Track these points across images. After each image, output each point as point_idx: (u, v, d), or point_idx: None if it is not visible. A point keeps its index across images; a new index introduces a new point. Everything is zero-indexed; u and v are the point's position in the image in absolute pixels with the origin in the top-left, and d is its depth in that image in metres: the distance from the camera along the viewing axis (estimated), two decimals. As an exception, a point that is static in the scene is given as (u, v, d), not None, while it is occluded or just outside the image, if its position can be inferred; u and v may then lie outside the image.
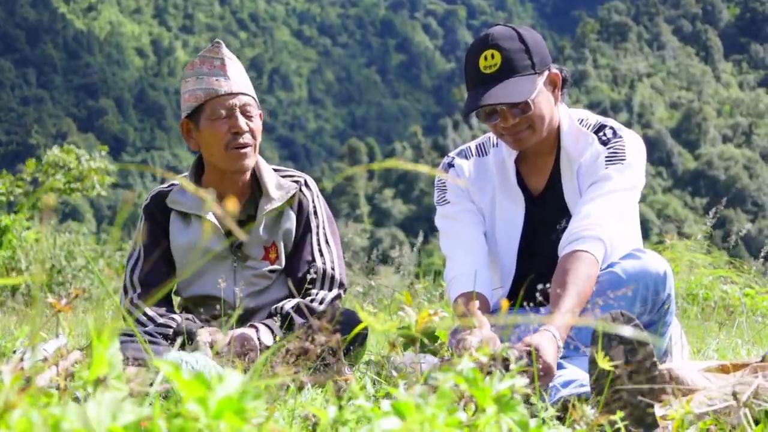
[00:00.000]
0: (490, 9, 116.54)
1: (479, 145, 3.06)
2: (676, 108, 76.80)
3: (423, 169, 1.40)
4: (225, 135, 3.18)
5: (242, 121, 3.19)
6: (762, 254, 6.51)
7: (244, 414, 1.11)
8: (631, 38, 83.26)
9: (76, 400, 1.96)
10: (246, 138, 3.20)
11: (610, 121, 2.92)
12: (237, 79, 3.23)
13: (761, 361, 2.35)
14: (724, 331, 4.57)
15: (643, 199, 2.98)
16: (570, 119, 2.92)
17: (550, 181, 2.94)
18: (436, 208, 3.05)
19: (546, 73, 2.81)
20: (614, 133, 2.87)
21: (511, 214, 2.94)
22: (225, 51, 3.25)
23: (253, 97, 3.26)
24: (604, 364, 1.88)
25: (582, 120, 2.92)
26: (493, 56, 2.76)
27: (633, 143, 2.86)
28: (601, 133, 2.88)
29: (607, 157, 2.83)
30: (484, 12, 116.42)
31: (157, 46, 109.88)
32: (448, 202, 3.00)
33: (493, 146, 3.01)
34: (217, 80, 3.20)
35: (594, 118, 2.93)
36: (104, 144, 14.18)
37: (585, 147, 2.87)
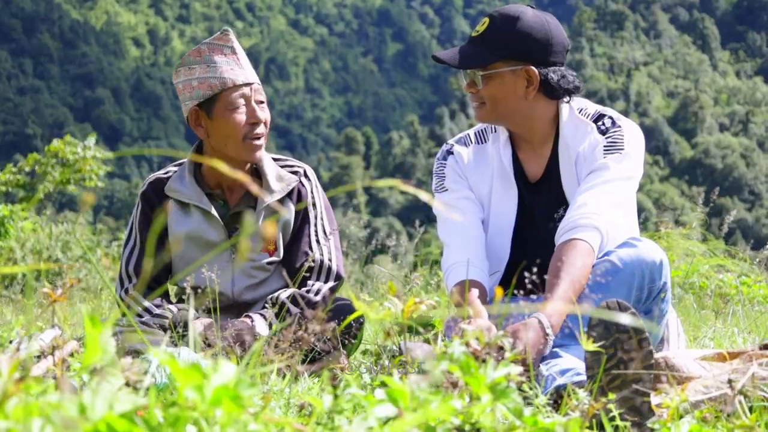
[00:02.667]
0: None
1: (478, 131, 3.05)
2: (673, 97, 76.71)
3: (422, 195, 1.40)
4: (243, 126, 3.15)
5: (259, 111, 3.17)
6: (767, 248, 6.47)
7: (241, 401, 1.12)
8: (627, 27, 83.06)
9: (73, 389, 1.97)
10: (261, 128, 3.18)
11: (609, 111, 2.91)
12: (248, 68, 3.21)
13: (758, 350, 2.36)
14: (720, 319, 4.58)
15: (640, 188, 2.97)
16: (569, 108, 2.91)
17: (548, 168, 2.93)
18: (434, 195, 3.04)
19: (521, 65, 2.81)
20: (613, 123, 2.87)
21: (505, 200, 2.94)
22: (234, 39, 3.21)
23: (260, 85, 3.24)
24: (590, 346, 1.88)
25: (581, 109, 2.92)
26: (483, 24, 2.85)
27: (632, 133, 2.86)
28: (600, 122, 2.87)
29: (605, 146, 2.82)
30: (480, 1, 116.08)
31: (154, 36, 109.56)
32: (447, 190, 2.99)
33: (492, 132, 3.01)
34: (231, 69, 3.15)
35: (593, 108, 2.93)
36: (101, 134, 14.21)
37: (584, 136, 2.87)
